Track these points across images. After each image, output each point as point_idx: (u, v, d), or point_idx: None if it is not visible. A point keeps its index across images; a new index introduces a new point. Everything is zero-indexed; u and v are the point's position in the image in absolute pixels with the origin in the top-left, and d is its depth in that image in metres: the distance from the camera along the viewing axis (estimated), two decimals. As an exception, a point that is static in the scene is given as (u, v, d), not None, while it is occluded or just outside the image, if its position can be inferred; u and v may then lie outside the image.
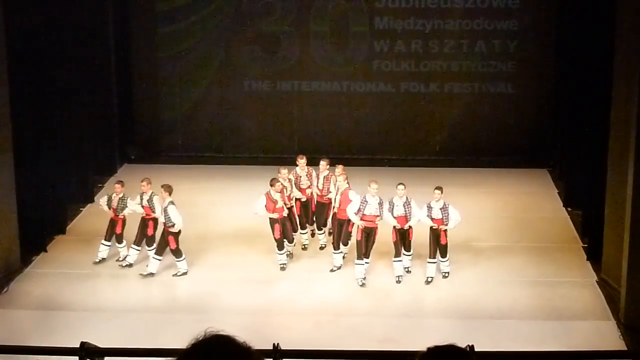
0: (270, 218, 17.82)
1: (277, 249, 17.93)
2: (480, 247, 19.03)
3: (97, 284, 17.51)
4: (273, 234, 17.83)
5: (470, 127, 24.73)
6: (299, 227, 18.83)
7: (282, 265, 18.01)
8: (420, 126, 24.93)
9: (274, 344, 10.28)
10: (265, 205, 17.78)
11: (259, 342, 13.55)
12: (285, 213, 17.98)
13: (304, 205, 18.98)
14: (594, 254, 18.18)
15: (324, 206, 18.94)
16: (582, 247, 19.09)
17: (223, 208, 18.44)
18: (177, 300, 16.89)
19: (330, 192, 18.74)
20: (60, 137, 19.92)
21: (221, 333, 3.22)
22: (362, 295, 17.06)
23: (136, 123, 25.24)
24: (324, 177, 18.81)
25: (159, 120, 25.32)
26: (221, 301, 16.91)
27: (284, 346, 10.52)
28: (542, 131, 24.20)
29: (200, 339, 3.21)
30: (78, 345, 10.52)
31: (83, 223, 20.62)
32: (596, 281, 17.57)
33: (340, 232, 17.95)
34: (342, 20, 24.51)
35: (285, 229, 17.97)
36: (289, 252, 18.27)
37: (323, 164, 18.99)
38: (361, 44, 24.61)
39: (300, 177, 18.87)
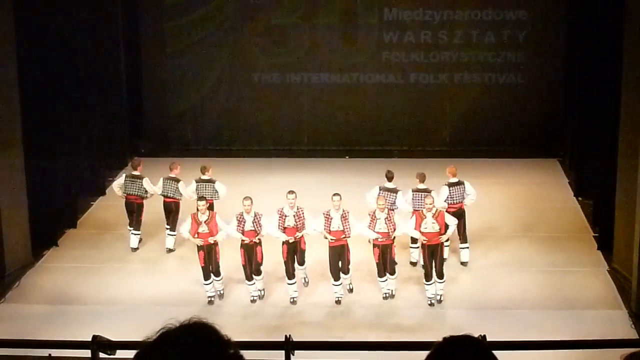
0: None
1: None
2: (491, 237, 19.01)
3: (108, 278, 17.55)
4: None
5: (479, 117, 24.69)
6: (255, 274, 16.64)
7: (209, 299, 16.54)
8: (429, 117, 24.89)
9: (285, 336, 10.30)
10: (190, 228, 16.49)
11: (270, 334, 13.66)
12: (211, 240, 16.34)
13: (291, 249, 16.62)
14: (605, 244, 18.16)
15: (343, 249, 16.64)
16: (593, 236, 19.06)
17: (232, 201, 18.39)
18: (187, 293, 16.89)
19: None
20: (71, 131, 19.95)
21: (204, 321, 3.21)
22: (374, 287, 17.03)
23: (146, 117, 25.26)
24: (341, 216, 16.33)
25: (168, 113, 25.33)
26: (231, 294, 16.93)
27: (295, 338, 10.54)
28: (552, 121, 24.14)
29: (184, 324, 3.21)
30: (90, 339, 10.56)
31: (94, 217, 20.66)
32: (607, 270, 17.55)
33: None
34: (351, 12, 24.48)
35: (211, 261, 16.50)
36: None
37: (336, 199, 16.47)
38: (370, 36, 24.58)
39: (287, 216, 16.45)
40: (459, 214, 17.31)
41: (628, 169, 16.78)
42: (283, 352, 9.91)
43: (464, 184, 17.75)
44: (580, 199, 20.95)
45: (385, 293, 16.54)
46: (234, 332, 3.35)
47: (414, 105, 24.80)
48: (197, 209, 16.51)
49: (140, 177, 18.76)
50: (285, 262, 16.46)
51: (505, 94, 24.65)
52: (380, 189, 17.44)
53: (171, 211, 18.68)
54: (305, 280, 17.11)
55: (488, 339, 7.56)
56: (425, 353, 3.44)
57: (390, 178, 17.67)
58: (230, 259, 17.03)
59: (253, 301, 16.64)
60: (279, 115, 24.98)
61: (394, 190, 17.46)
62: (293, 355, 10.25)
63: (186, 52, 24.85)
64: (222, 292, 16.82)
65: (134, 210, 18.67)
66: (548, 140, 24.05)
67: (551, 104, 24.26)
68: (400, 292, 16.89)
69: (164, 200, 18.80)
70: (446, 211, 16.79)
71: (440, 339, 3.44)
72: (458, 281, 17.19)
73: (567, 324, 15.41)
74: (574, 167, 22.05)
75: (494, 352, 3.43)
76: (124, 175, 19.01)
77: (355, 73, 24.79)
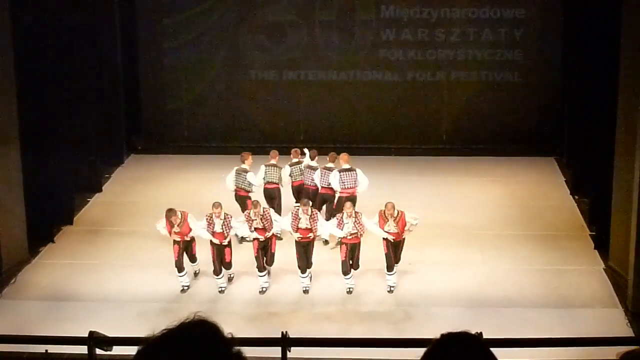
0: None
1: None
2: (487, 236, 19.02)
3: (105, 274, 17.54)
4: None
5: (476, 115, 24.70)
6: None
7: (183, 288, 16.92)
8: (426, 115, 24.90)
9: (282, 332, 10.32)
10: (165, 226, 16.80)
11: (267, 330, 13.68)
12: (188, 237, 16.73)
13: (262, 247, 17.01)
14: (601, 242, 18.17)
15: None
16: (590, 235, 19.07)
17: (229, 198, 18.43)
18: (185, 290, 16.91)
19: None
20: (68, 128, 19.91)
21: (207, 319, 3.22)
22: (371, 285, 17.05)
23: (143, 113, 25.25)
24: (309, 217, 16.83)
25: (165, 110, 25.33)
26: (229, 290, 16.95)
27: (292, 334, 10.55)
28: (548, 119, 24.17)
29: (187, 321, 3.22)
30: (86, 335, 10.58)
31: (90, 214, 20.65)
32: (603, 269, 17.56)
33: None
34: (348, 9, 24.48)
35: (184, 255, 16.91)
36: (230, 276, 17.29)
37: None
38: (367, 33, 24.58)
39: (254, 220, 16.77)
40: (353, 200, 17.84)
41: (624, 168, 16.80)
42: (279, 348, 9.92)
43: (355, 171, 18.40)
44: (576, 197, 20.96)
45: (349, 288, 16.87)
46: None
47: (410, 103, 24.79)
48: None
49: (245, 171, 18.74)
50: (255, 257, 16.89)
51: (502, 92, 24.65)
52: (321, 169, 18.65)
53: (244, 202, 18.49)
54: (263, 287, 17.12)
55: (484, 337, 7.56)
56: (422, 350, 3.45)
57: (312, 157, 19.12)
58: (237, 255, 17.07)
59: (262, 292, 16.91)
60: (276, 112, 24.97)
61: (329, 169, 18.64)
62: (289, 351, 10.28)
63: (183, 49, 24.83)
64: (197, 271, 17.42)
65: (243, 203, 18.50)
66: (544, 138, 24.07)
67: (548, 102, 24.28)
68: (400, 289, 16.91)
69: (236, 193, 18.78)
70: (340, 195, 18.20)
71: (437, 336, 3.45)
72: (455, 279, 17.19)
73: (564, 322, 15.42)
74: (570, 166, 22.06)
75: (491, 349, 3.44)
76: (234, 169, 18.87)
77: (352, 70, 24.79)
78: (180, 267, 16.80)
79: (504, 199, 21.09)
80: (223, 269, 16.92)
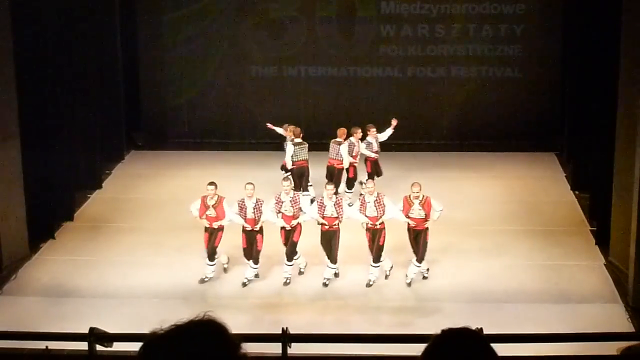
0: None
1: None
2: (487, 231, 19.02)
3: (105, 271, 17.54)
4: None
5: (476, 111, 24.70)
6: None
7: (204, 278, 17.02)
8: (427, 111, 24.89)
9: (282, 328, 10.32)
10: (199, 209, 16.91)
11: (268, 326, 13.67)
12: (216, 225, 16.75)
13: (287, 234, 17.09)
14: (601, 237, 18.17)
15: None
16: (590, 230, 19.08)
17: (230, 194, 18.40)
18: (185, 286, 16.90)
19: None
20: (68, 124, 19.91)
21: (217, 320, 3.23)
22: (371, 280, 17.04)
23: (143, 109, 25.25)
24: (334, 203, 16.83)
25: (165, 106, 25.33)
26: (230, 287, 16.94)
27: (292, 330, 10.55)
28: (549, 115, 24.16)
29: (196, 319, 3.24)
30: (87, 331, 10.57)
31: (91, 210, 20.66)
32: (604, 264, 17.57)
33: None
34: (348, 5, 24.47)
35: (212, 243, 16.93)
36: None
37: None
38: (368, 29, 24.57)
39: (283, 202, 16.89)
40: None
41: (625, 163, 16.79)
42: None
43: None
44: (577, 192, 20.97)
45: (369, 279, 16.90)
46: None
47: (411, 99, 24.79)
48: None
49: (305, 143, 20.02)
50: (284, 244, 16.95)
51: (502, 87, 24.65)
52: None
53: (303, 174, 20.01)
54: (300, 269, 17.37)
55: (485, 332, 7.57)
56: (423, 346, 3.45)
57: (297, 134, 20.15)
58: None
59: (286, 284, 17.00)
60: (276, 108, 24.95)
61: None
62: (290, 347, 10.28)
63: (184, 45, 24.83)
64: (227, 266, 17.40)
65: (304, 173, 19.95)
66: (545, 134, 24.06)
67: (548, 98, 24.28)
68: (400, 285, 16.91)
69: (297, 164, 19.94)
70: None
71: (437, 331, 3.45)
72: (455, 274, 17.19)
73: (564, 318, 15.42)
74: (571, 161, 22.05)
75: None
76: (289, 145, 20.05)
77: (353, 67, 24.79)
78: (211, 255, 16.90)
79: (504, 195, 21.09)
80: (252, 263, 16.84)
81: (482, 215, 19.67)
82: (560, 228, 19.26)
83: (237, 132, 25.03)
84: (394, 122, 20.63)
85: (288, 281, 17.00)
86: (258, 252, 16.84)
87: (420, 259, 16.68)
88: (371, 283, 16.87)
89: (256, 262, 16.91)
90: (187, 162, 23.39)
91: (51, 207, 19.12)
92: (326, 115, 24.80)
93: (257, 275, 17.11)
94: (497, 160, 23.46)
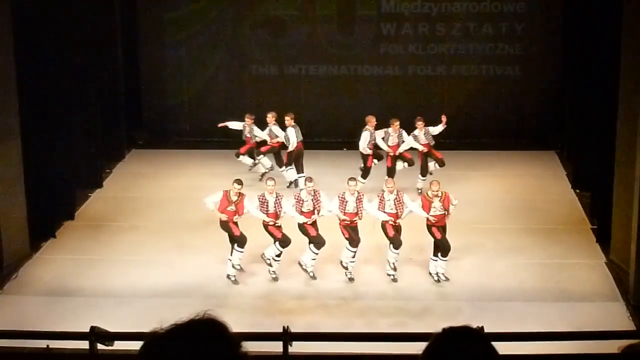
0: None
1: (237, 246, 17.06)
2: (488, 230, 19.02)
3: (106, 270, 17.54)
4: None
5: (477, 109, 24.70)
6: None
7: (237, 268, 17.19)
8: (427, 109, 24.82)
9: (283, 327, 10.33)
10: (220, 202, 16.95)
11: (269, 325, 13.65)
12: (236, 218, 16.88)
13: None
14: (602, 236, 18.17)
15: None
16: (591, 228, 19.07)
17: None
18: (186, 285, 16.90)
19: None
20: (68, 123, 19.90)
21: (217, 319, 3.24)
22: (372, 280, 17.05)
23: (144, 108, 25.25)
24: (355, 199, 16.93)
25: (166, 105, 25.33)
26: (230, 285, 16.94)
27: (293, 329, 10.56)
28: (550, 113, 24.16)
29: (196, 318, 3.24)
30: (88, 330, 10.58)
31: (92, 209, 20.66)
32: (605, 262, 17.56)
33: None
34: (348, 4, 24.47)
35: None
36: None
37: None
38: (368, 28, 24.57)
39: (304, 201, 16.95)
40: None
41: (625, 161, 16.79)
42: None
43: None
44: (577, 191, 20.96)
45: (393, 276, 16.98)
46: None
47: (411, 98, 24.77)
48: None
49: (297, 126, 20.93)
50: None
51: (503, 86, 24.66)
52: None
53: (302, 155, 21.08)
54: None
55: (486, 331, 7.57)
56: (423, 344, 3.45)
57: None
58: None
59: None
60: (276, 107, 24.90)
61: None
62: (291, 346, 10.29)
63: (184, 43, 24.83)
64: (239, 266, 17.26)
65: (302, 154, 21.02)
66: (546, 132, 24.05)
67: (549, 96, 24.28)
68: (400, 283, 16.91)
69: (297, 147, 20.86)
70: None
71: (438, 330, 3.45)
72: (456, 273, 17.19)
73: (565, 316, 15.43)
74: (571, 159, 22.06)
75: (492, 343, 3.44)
76: (291, 129, 20.82)
77: (353, 65, 24.79)
78: (242, 242, 16.86)
79: (505, 193, 21.10)
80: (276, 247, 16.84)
81: (483, 213, 19.67)
82: (561, 226, 19.26)
83: (238, 130, 24.98)
84: (444, 119, 20.64)
85: (312, 274, 17.08)
86: (286, 237, 16.80)
87: (446, 253, 16.81)
88: (392, 266, 16.97)
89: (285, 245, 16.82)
90: (187, 161, 23.40)
91: (52, 206, 19.11)
92: (326, 114, 24.80)
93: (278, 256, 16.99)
94: (497, 158, 23.46)
